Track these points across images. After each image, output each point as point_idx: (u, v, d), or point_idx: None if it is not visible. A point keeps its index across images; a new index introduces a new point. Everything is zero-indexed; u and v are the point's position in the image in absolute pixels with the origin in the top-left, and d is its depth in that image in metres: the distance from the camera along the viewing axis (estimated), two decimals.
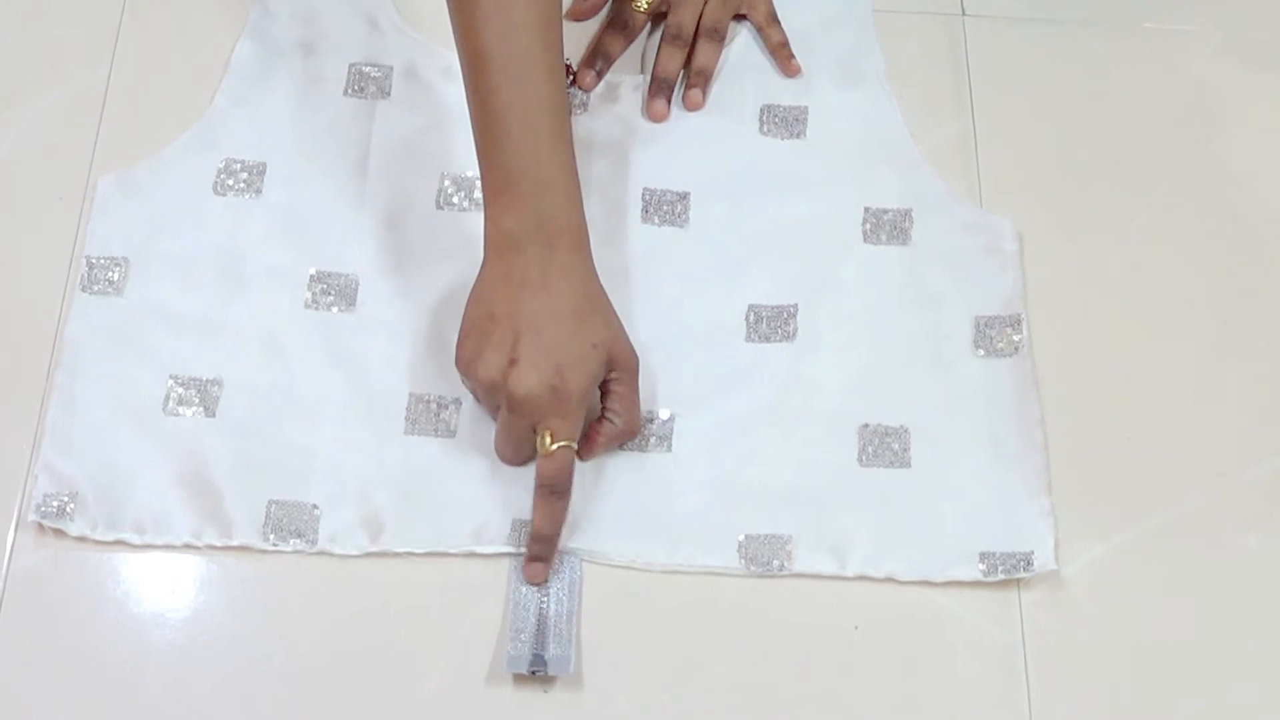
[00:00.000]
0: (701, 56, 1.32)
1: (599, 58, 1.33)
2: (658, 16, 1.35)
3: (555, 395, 1.09)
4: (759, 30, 1.35)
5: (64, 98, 1.30)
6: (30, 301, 1.21)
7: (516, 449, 1.13)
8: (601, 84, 1.32)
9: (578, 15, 1.36)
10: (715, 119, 1.31)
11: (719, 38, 1.33)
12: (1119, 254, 1.27)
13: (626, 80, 1.33)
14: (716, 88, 1.33)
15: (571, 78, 1.31)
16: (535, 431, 1.10)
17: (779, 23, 1.35)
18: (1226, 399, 1.20)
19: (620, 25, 1.34)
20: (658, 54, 1.33)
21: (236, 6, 1.35)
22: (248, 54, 1.32)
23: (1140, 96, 1.35)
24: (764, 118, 1.31)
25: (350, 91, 1.30)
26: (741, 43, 1.35)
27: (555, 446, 1.09)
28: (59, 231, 1.23)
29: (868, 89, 1.33)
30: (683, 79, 1.33)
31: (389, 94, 1.30)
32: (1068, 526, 1.14)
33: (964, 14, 1.39)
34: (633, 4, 1.33)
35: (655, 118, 1.30)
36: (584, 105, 1.31)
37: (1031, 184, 1.30)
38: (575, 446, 1.11)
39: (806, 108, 1.32)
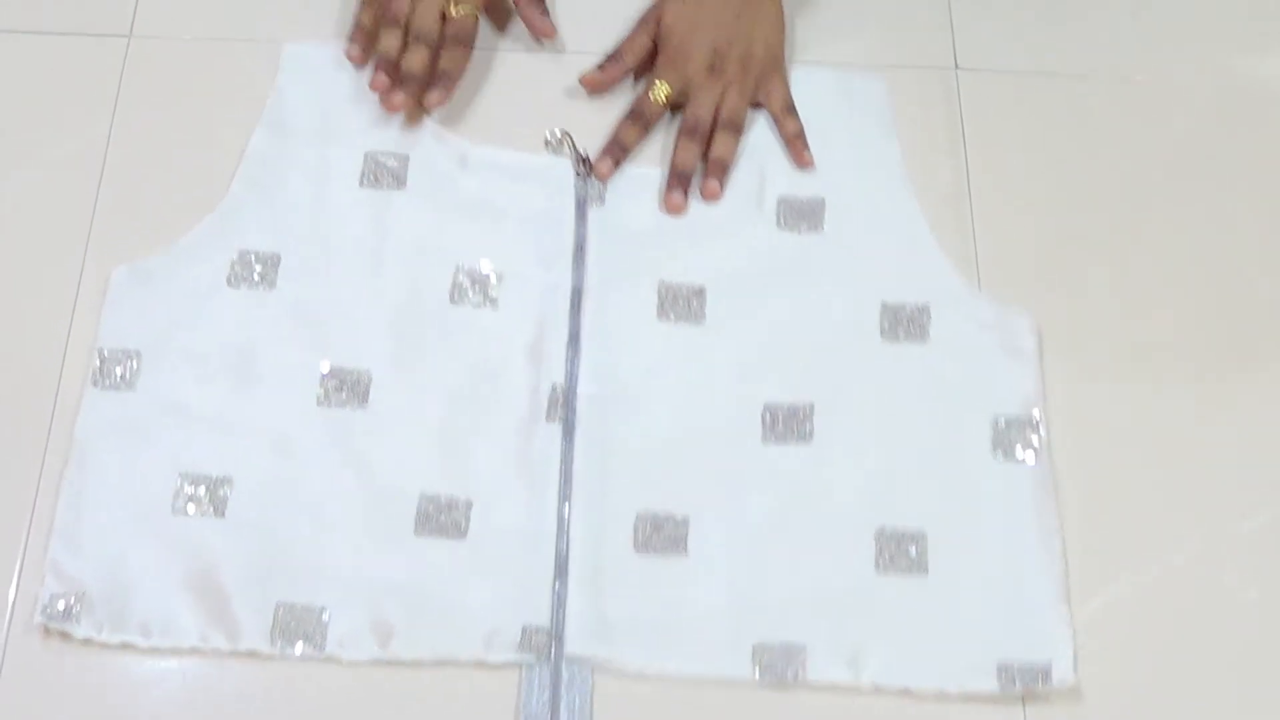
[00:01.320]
0: (719, 147, 1.32)
1: (617, 147, 1.32)
2: (675, 107, 1.34)
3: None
4: (775, 120, 1.34)
5: (70, 179, 1.30)
6: (26, 390, 1.20)
7: None
8: (619, 177, 1.31)
9: (590, 84, 1.36)
10: (732, 212, 1.30)
11: (736, 129, 1.32)
12: (1111, 308, 1.27)
13: (643, 173, 1.32)
14: (733, 179, 1.32)
15: (589, 167, 1.30)
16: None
17: (795, 113, 1.34)
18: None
19: (638, 116, 1.33)
20: (675, 147, 1.32)
21: (253, 93, 1.34)
22: (263, 142, 1.31)
23: (1132, 149, 1.36)
24: (781, 210, 1.30)
25: (366, 182, 1.29)
26: (758, 133, 1.34)
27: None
28: (60, 321, 1.23)
29: (885, 180, 1.32)
30: (700, 170, 1.32)
31: (405, 184, 1.29)
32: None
33: (957, 67, 1.40)
34: (650, 95, 1.32)
35: (673, 210, 1.30)
36: (600, 199, 1.30)
37: (1026, 235, 1.30)
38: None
39: (824, 199, 1.31)
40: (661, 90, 1.33)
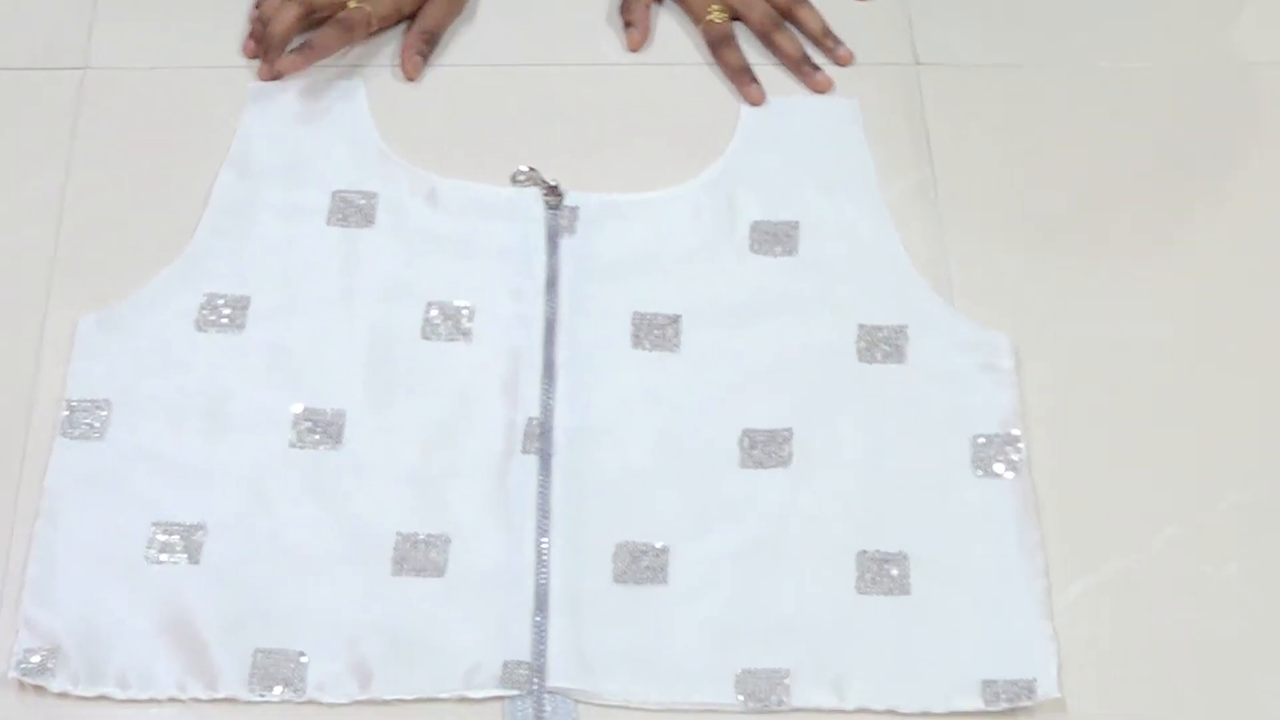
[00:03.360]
0: (810, 20, 1.42)
1: (745, 75, 1.39)
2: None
3: None
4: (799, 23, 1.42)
5: (27, 223, 1.29)
6: None
7: None
8: (588, 206, 1.30)
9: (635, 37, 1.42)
10: (704, 239, 1.30)
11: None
12: (1081, 299, 1.27)
13: (613, 201, 1.31)
14: (704, 206, 1.31)
15: (558, 197, 1.30)
16: None
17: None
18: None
19: (716, 43, 1.42)
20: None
21: (216, 122, 1.34)
22: (229, 183, 1.31)
23: (1099, 137, 1.36)
24: (754, 235, 1.29)
25: (334, 221, 1.29)
26: (726, 159, 1.34)
27: None
28: (25, 371, 1.22)
29: (859, 200, 1.32)
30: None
31: (373, 222, 1.29)
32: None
33: (918, 63, 1.40)
34: (710, 19, 1.41)
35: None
36: (571, 229, 1.29)
37: (994, 230, 1.31)
38: None
39: (798, 223, 1.30)
40: (718, 14, 1.41)
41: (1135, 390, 1.23)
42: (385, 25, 1.40)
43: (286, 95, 1.36)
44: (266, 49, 1.36)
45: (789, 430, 1.20)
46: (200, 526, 1.15)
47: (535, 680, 1.09)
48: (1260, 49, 1.43)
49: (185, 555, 1.14)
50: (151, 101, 1.36)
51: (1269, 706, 1.10)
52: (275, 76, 1.36)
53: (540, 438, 1.18)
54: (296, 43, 1.37)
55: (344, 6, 1.37)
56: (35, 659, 1.09)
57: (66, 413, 1.19)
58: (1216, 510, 1.18)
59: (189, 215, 1.29)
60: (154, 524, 1.15)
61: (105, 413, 1.19)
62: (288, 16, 1.35)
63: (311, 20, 1.37)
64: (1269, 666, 1.12)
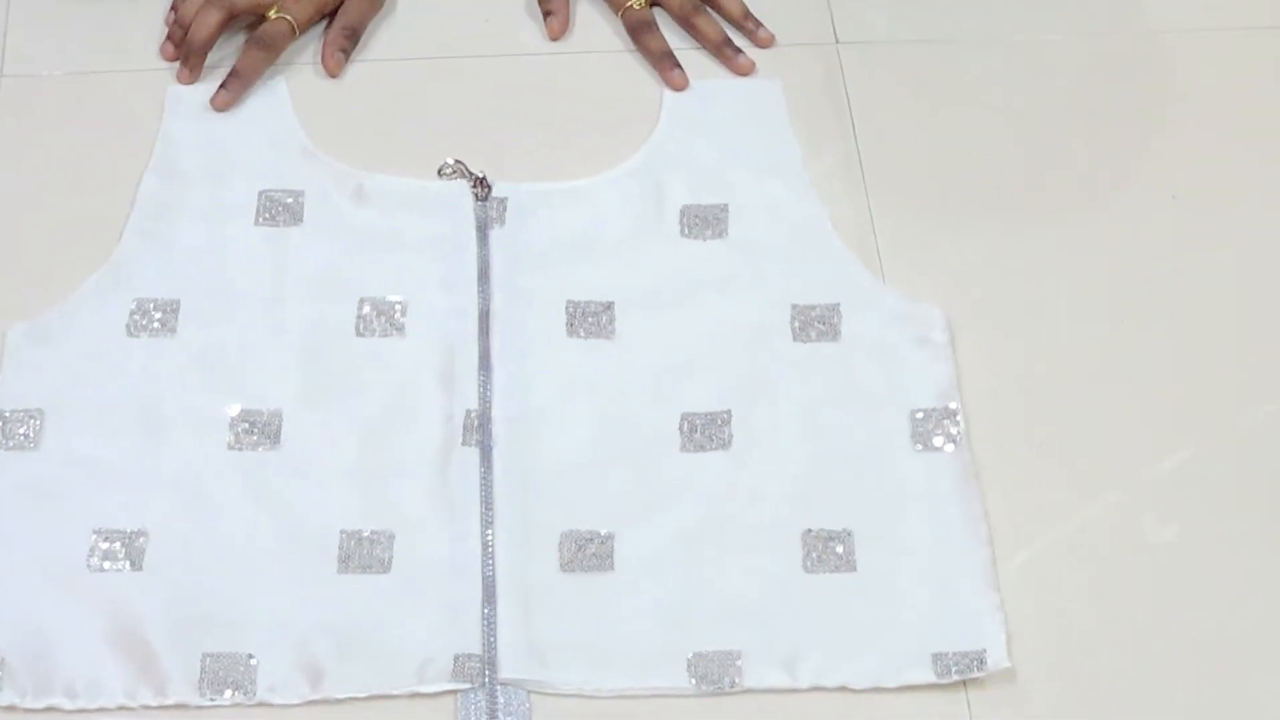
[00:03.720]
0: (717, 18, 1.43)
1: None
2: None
3: None
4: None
5: None
6: None
7: None
8: (517, 195, 1.30)
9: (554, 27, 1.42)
10: (634, 225, 1.30)
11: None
12: (1009, 268, 1.29)
13: (541, 190, 1.31)
14: (632, 192, 1.31)
15: (486, 189, 1.29)
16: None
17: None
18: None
19: (636, 29, 1.42)
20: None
21: (137, 127, 1.33)
22: (154, 187, 1.30)
23: (1018, 108, 1.38)
24: (684, 219, 1.30)
25: (262, 220, 1.28)
26: (661, 134, 1.35)
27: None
28: None
29: (786, 181, 1.32)
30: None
31: (302, 220, 1.28)
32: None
33: (837, 41, 1.42)
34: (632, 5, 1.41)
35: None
36: (501, 220, 1.28)
37: (921, 204, 1.32)
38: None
39: (726, 205, 1.30)
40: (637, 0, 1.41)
41: (1068, 357, 1.24)
42: (307, 27, 1.39)
43: (207, 97, 1.35)
44: (187, 54, 1.35)
45: (728, 412, 1.20)
46: (142, 533, 1.14)
47: (487, 672, 1.09)
48: (1169, 17, 1.45)
49: (128, 562, 1.12)
50: (69, 107, 1.35)
51: (1216, 664, 1.11)
52: (199, 84, 1.36)
53: (479, 429, 1.18)
54: (215, 56, 1.36)
55: (265, 8, 1.36)
56: None
57: None
58: (1155, 473, 1.19)
59: (114, 221, 1.28)
60: (94, 532, 1.13)
61: (38, 422, 1.18)
62: (210, 21, 1.34)
63: (233, 25, 1.36)
64: (1213, 625, 1.13)
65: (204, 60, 1.35)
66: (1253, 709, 1.10)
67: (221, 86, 1.34)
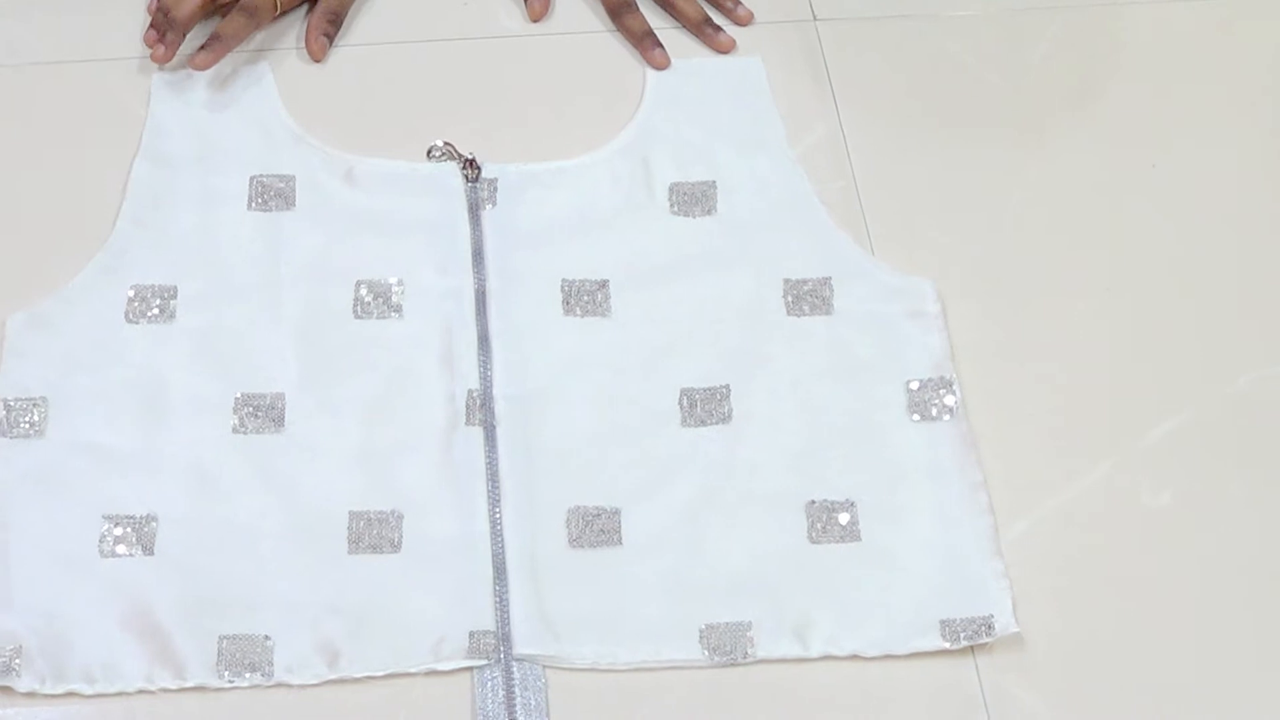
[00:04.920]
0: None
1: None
2: None
3: None
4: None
5: None
6: None
7: None
8: (508, 175, 1.30)
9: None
10: (624, 204, 1.31)
11: None
12: (997, 238, 1.31)
13: (532, 170, 1.31)
14: (620, 172, 1.32)
15: (476, 170, 1.30)
16: None
17: None
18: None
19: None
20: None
21: (123, 113, 1.33)
22: (145, 174, 1.30)
23: (995, 77, 1.40)
24: (673, 197, 1.30)
25: (254, 205, 1.28)
26: (638, 123, 1.35)
27: None
28: None
29: (771, 157, 1.34)
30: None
31: (294, 204, 1.28)
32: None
33: (815, 19, 1.43)
34: None
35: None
36: (492, 200, 1.29)
37: (906, 176, 1.34)
38: None
39: (714, 182, 1.31)
40: None
41: (1060, 325, 1.26)
42: (289, 8, 1.39)
43: (194, 83, 1.35)
44: (166, 30, 1.34)
45: (726, 387, 1.21)
46: (152, 518, 1.14)
47: (502, 649, 1.10)
48: None
49: (140, 547, 1.13)
50: (55, 96, 1.35)
51: (1213, 624, 1.13)
52: (178, 61, 1.35)
53: (482, 409, 1.19)
54: (198, 32, 1.36)
55: None
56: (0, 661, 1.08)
57: (3, 412, 1.17)
58: (1149, 439, 1.21)
59: (107, 208, 1.27)
60: (105, 517, 1.13)
61: (43, 409, 1.18)
62: (192, 2, 1.33)
63: (214, 7, 1.36)
64: (1210, 587, 1.15)
65: (181, 39, 1.35)
66: (1249, 667, 1.12)
67: (202, 48, 1.34)
